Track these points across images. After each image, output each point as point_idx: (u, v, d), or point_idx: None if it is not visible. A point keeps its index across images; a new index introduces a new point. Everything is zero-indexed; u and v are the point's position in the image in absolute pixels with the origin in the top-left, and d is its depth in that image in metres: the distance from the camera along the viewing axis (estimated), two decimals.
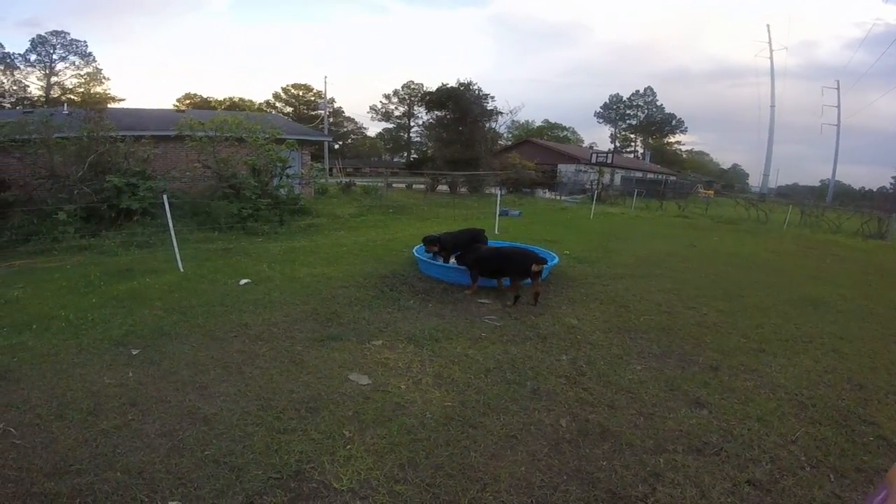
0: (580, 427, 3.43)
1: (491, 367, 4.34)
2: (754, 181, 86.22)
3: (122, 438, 3.08)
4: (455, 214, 17.38)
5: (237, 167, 13.53)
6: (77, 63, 65.78)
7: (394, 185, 34.43)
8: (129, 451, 2.95)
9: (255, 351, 4.52)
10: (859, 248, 15.45)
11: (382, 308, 5.92)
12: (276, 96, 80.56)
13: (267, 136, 14.00)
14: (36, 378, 3.87)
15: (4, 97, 59.43)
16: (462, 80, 34.61)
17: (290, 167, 14.38)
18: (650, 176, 49.72)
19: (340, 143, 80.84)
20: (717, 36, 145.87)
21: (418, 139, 76.79)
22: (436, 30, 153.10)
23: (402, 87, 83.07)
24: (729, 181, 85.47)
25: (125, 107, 36.75)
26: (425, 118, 45.99)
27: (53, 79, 64.42)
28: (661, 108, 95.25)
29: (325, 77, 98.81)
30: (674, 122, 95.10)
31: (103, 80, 67.46)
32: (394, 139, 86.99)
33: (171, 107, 48.19)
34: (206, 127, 13.72)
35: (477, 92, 34.81)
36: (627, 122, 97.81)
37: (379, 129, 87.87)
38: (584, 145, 73.10)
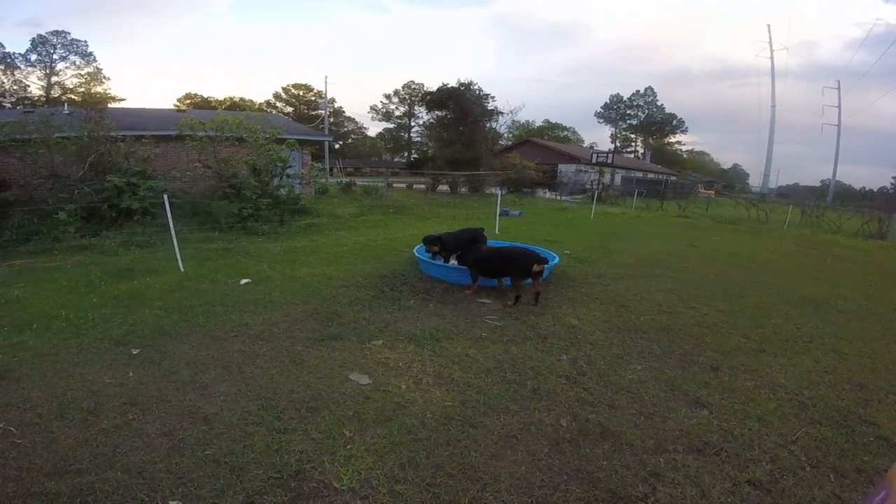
0: (580, 427, 3.43)
1: (491, 367, 4.34)
2: (755, 181, 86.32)
3: (123, 438, 3.08)
4: (455, 214, 17.38)
5: (237, 167, 13.54)
6: (77, 63, 65.86)
7: (394, 184, 34.44)
8: (130, 450, 2.95)
9: (256, 351, 4.52)
10: (860, 248, 15.44)
11: (383, 308, 5.92)
12: (277, 96, 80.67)
13: (267, 135, 14.01)
14: (36, 377, 3.88)
15: (5, 97, 59.50)
16: (463, 80, 34.65)
17: (290, 167, 14.39)
18: (650, 176, 49.70)
19: (341, 142, 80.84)
20: (717, 36, 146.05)
21: (419, 139, 76.75)
22: (436, 30, 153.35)
23: (403, 87, 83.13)
24: (729, 181, 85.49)
25: (126, 106, 36.82)
26: (426, 118, 45.96)
27: (54, 78, 64.47)
28: (661, 108, 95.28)
29: (326, 77, 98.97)
30: (674, 122, 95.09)
31: (104, 80, 67.56)
32: (394, 139, 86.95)
33: (172, 107, 48.15)
34: (206, 127, 13.73)
35: (477, 92, 34.82)
36: (628, 122, 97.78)
37: (379, 129, 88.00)
38: (584, 145, 73.11)
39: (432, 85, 69.59)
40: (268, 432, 3.18)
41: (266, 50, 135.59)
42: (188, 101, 69.38)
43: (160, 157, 13.74)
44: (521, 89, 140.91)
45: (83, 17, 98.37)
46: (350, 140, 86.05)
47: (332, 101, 75.08)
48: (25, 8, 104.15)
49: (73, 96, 58.71)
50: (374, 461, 2.93)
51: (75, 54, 65.72)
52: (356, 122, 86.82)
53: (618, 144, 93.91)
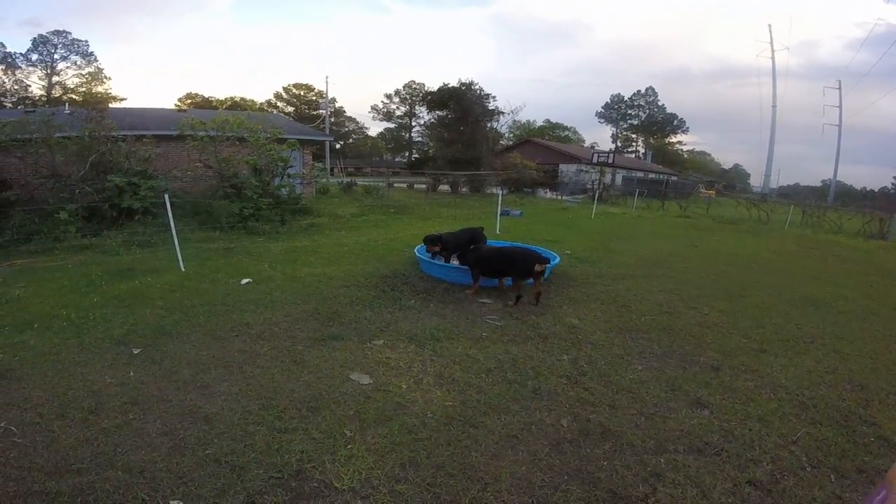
0: (581, 427, 3.43)
1: (492, 367, 4.34)
2: (756, 181, 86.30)
3: (124, 437, 3.08)
4: (456, 214, 17.38)
5: (238, 167, 13.54)
6: (78, 63, 65.96)
7: (395, 184, 34.46)
8: (131, 449, 2.95)
9: (257, 350, 4.52)
10: (861, 248, 15.43)
11: (383, 308, 5.93)
12: (278, 96, 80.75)
13: (268, 135, 14.02)
14: (37, 377, 3.88)
15: (6, 97, 59.59)
16: (463, 80, 34.64)
17: (291, 167, 14.40)
18: (651, 176, 49.68)
19: (342, 142, 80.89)
20: (718, 36, 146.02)
21: (420, 139, 76.72)
22: (437, 30, 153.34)
23: (404, 87, 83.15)
24: (730, 181, 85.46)
25: (127, 106, 36.89)
26: (427, 118, 45.92)
27: (55, 78, 64.55)
28: (662, 108, 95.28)
29: (327, 77, 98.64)
30: (675, 122, 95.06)
31: (105, 80, 67.65)
32: (395, 139, 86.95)
33: (173, 106, 48.21)
34: (207, 126, 13.74)
35: (478, 92, 34.81)
36: (629, 121, 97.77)
37: (380, 129, 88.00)
38: (585, 145, 73.01)
39: (433, 85, 69.86)
40: (268, 432, 3.18)
41: (266, 50, 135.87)
42: (189, 101, 69.46)
43: (161, 157, 13.74)
44: (521, 89, 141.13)
45: (84, 16, 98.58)
46: (351, 140, 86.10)
47: (333, 100, 75.22)
48: (26, 8, 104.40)
49: (74, 96, 58.87)
50: (374, 461, 2.93)
51: (76, 54, 65.88)
52: (357, 122, 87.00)
53: (619, 144, 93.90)
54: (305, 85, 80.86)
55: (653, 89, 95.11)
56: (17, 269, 7.63)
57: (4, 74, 61.33)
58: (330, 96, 62.35)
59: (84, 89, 63.82)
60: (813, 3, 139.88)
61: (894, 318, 6.69)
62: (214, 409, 3.44)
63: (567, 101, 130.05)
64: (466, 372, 4.23)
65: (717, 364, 4.65)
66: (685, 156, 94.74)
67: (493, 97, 35.84)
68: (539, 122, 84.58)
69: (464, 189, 31.38)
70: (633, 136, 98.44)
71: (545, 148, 46.29)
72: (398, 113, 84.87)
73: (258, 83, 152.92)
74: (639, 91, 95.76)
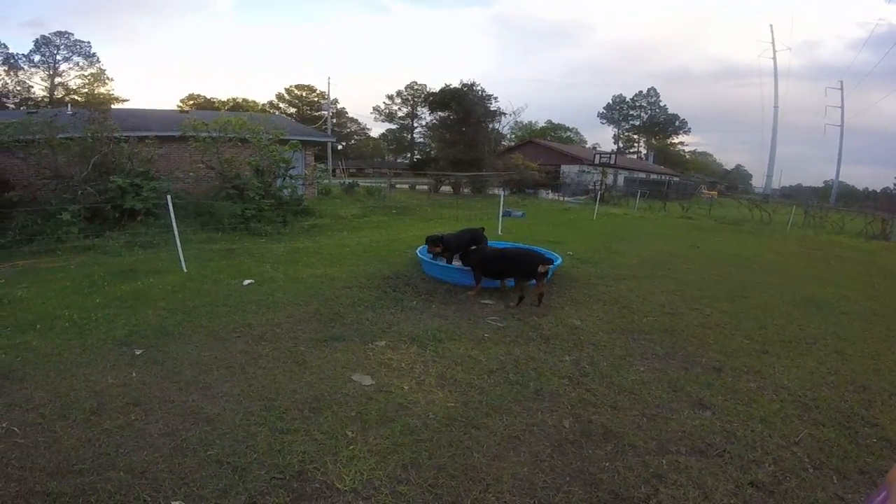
0: (583, 428, 3.42)
1: (494, 368, 4.34)
2: (758, 182, 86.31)
3: (125, 438, 3.08)
4: (458, 215, 17.38)
5: (241, 168, 13.56)
6: (81, 64, 66.14)
7: (397, 185, 34.47)
8: (132, 450, 2.96)
9: (259, 351, 4.53)
10: (863, 248, 15.42)
11: (385, 309, 5.93)
12: (280, 97, 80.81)
13: (270, 136, 14.03)
14: (39, 377, 3.89)
15: (8, 98, 59.73)
16: (465, 81, 34.63)
17: (293, 168, 14.41)
18: (653, 177, 49.63)
19: (344, 143, 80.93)
20: (719, 36, 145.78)
21: (421, 140, 76.82)
22: (438, 30, 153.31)
23: (406, 88, 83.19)
24: (732, 182, 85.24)
25: (129, 107, 36.94)
26: (428, 119, 45.94)
27: (57, 79, 64.72)
28: (664, 108, 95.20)
29: (329, 78, 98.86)
30: (677, 122, 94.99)
31: (107, 81, 67.81)
32: (397, 140, 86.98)
33: (175, 107, 48.35)
34: (209, 127, 13.77)
35: (480, 92, 34.81)
36: (630, 122, 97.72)
37: (382, 130, 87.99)
38: (587, 146, 73.03)
39: (435, 85, 69.78)
40: (270, 433, 3.19)
41: (268, 50, 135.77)
42: (191, 102, 69.60)
43: (163, 158, 13.76)
44: (523, 90, 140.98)
45: (86, 17, 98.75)
46: (353, 141, 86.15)
47: (335, 101, 75.23)
48: (28, 9, 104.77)
49: (76, 97, 59.05)
50: (376, 462, 2.93)
51: (78, 55, 66.06)
52: (359, 123, 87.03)
53: (620, 145, 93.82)
54: (307, 86, 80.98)
55: (654, 90, 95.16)
56: (19, 269, 7.65)
57: (7, 75, 61.59)
58: (332, 97, 62.46)
59: (86, 90, 64.00)
60: (814, 3, 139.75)
61: None
62: (216, 410, 3.45)
63: (569, 101, 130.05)
64: (468, 373, 4.23)
65: (719, 365, 4.65)
66: (687, 156, 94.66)
67: (495, 98, 35.89)
68: (541, 123, 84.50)
69: (466, 190, 31.38)
70: (635, 136, 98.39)
71: (547, 149, 46.27)
72: (400, 114, 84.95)
73: (260, 84, 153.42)
74: (640, 92, 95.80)
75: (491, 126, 35.99)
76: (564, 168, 42.07)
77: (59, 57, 64.75)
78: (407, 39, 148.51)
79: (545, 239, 11.79)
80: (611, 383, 4.16)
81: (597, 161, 40.57)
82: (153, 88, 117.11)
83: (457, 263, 7.35)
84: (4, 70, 61.33)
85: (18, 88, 61.89)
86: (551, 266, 6.46)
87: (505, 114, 36.07)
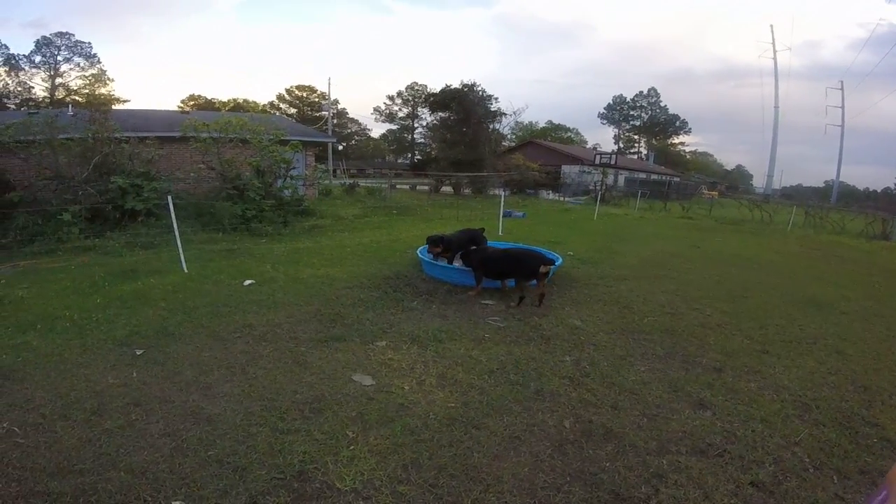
0: (583, 428, 3.42)
1: (494, 368, 4.34)
2: (758, 182, 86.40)
3: (126, 438, 3.08)
4: (459, 215, 17.37)
5: (241, 168, 13.55)
6: (82, 64, 66.32)
7: (397, 186, 34.46)
8: (133, 450, 2.96)
9: (259, 351, 4.53)
10: (863, 249, 15.41)
11: (386, 309, 5.93)
12: (280, 98, 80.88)
13: (271, 137, 14.02)
14: (40, 378, 3.89)
15: (9, 98, 59.81)
16: (466, 82, 34.58)
17: (294, 168, 14.40)
18: (654, 177, 49.61)
19: (344, 144, 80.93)
20: (720, 36, 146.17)
21: (422, 140, 76.73)
22: (439, 30, 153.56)
23: (406, 89, 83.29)
24: (733, 182, 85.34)
25: (130, 108, 36.95)
26: (429, 119, 45.89)
27: (58, 80, 64.86)
28: (664, 108, 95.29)
29: (329, 78, 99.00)
30: (677, 122, 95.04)
31: (108, 82, 67.92)
32: (398, 140, 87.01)
33: (176, 108, 48.43)
34: (210, 128, 13.75)
35: (481, 93, 34.78)
36: (631, 122, 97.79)
37: (383, 131, 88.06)
38: (587, 146, 72.96)
39: (435, 86, 69.90)
40: (271, 433, 3.19)
41: (268, 50, 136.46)
42: (192, 103, 69.70)
43: (164, 159, 13.76)
44: (524, 90, 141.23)
45: (88, 17, 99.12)
46: (353, 141, 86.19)
47: (336, 102, 75.27)
48: (30, 9, 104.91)
49: (77, 97, 59.01)
50: (376, 462, 2.93)
51: (79, 56, 66.22)
52: (359, 124, 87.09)
53: (621, 145, 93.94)
54: (308, 87, 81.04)
55: (655, 90, 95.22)
56: (20, 270, 7.65)
57: (8, 76, 61.68)
58: (332, 98, 62.51)
59: (87, 91, 64.05)
60: (814, 3, 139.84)
61: None
62: (217, 410, 3.45)
63: (569, 101, 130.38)
64: (469, 373, 4.23)
65: (720, 365, 4.65)
66: (687, 157, 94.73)
67: (496, 98, 35.85)
68: (541, 124, 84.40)
69: (466, 190, 31.40)
70: (636, 137, 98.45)
71: (548, 149, 46.28)
72: (400, 114, 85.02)
73: (260, 84, 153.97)
74: (641, 92, 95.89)
75: (491, 126, 35.95)
76: (565, 168, 42.07)
77: (59, 57, 64.95)
78: (408, 40, 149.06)
79: (546, 239, 11.79)
80: (611, 383, 4.16)
81: (597, 161, 40.60)
82: (154, 89, 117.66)
83: (457, 264, 7.36)
84: (5, 70, 61.49)
85: (19, 89, 62.02)
86: (552, 266, 6.46)
87: (505, 114, 36.04)
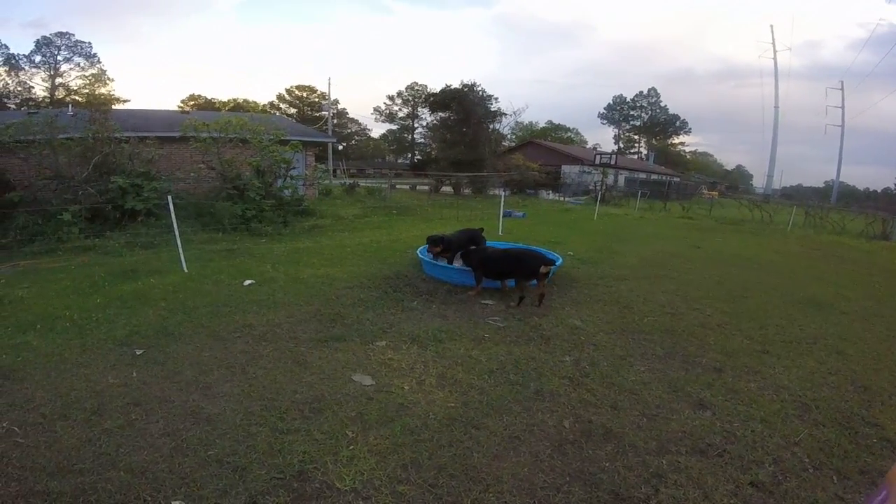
0: (583, 428, 3.42)
1: (494, 368, 4.34)
2: (758, 182, 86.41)
3: (126, 438, 3.09)
4: (459, 216, 17.37)
5: (241, 168, 13.55)
6: (82, 64, 66.38)
7: (397, 186, 34.47)
8: (133, 450, 2.96)
9: (259, 351, 4.53)
10: (864, 249, 15.40)
11: (386, 309, 5.93)
12: (280, 98, 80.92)
13: (271, 137, 14.03)
14: (40, 377, 3.89)
15: (9, 98, 59.82)
16: (466, 82, 34.59)
17: (294, 168, 14.39)
18: (654, 177, 49.61)
19: (344, 144, 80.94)
20: (720, 37, 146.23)
21: (422, 140, 76.72)
22: (439, 31, 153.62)
23: (406, 89, 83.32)
24: (733, 182, 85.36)
25: (130, 108, 36.99)
26: (429, 119, 45.90)
27: (58, 80, 64.90)
28: (664, 108, 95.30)
29: (329, 78, 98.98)
30: (678, 122, 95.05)
31: (108, 82, 67.96)
32: (398, 140, 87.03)
33: (176, 108, 48.41)
34: (210, 128, 13.76)
35: (481, 93, 34.78)
36: (631, 123, 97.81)
37: (383, 131, 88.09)
38: (587, 146, 72.94)
39: (435, 86, 69.94)
40: (271, 433, 3.19)
41: (268, 50, 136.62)
42: (192, 103, 69.72)
43: (164, 159, 13.77)
44: (524, 90, 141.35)
45: (88, 17, 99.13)
46: (354, 142, 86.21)
47: (336, 102, 75.28)
48: (30, 9, 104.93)
49: (77, 97, 59.04)
50: (376, 462, 2.93)
51: (79, 56, 66.28)
52: (359, 124, 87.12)
53: (621, 145, 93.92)
54: (308, 87, 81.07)
55: (655, 90, 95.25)
56: (20, 269, 7.66)
57: (8, 76, 61.70)
58: (332, 98, 62.53)
59: (87, 91, 64.07)
60: (814, 3, 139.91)
61: None
62: (217, 410, 3.45)
63: (569, 101, 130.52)
64: (468, 373, 4.23)
65: (720, 365, 4.65)
66: (687, 157, 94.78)
67: (496, 98, 35.86)
68: (541, 124, 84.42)
69: (466, 191, 31.41)
70: (636, 137, 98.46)
71: (548, 149, 46.28)
72: (400, 114, 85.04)
73: (260, 84, 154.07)
74: (641, 92, 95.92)
75: (491, 127, 35.95)
76: (565, 168, 42.08)
77: (59, 57, 65.02)
78: (408, 40, 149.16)
79: (546, 239, 11.79)
80: (611, 383, 4.16)
81: (597, 161, 40.60)
82: (154, 89, 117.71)
83: (457, 263, 7.35)
84: (5, 70, 61.54)
85: (19, 89, 62.03)
86: (553, 267, 6.46)
87: (505, 114, 36.04)
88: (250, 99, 77.76)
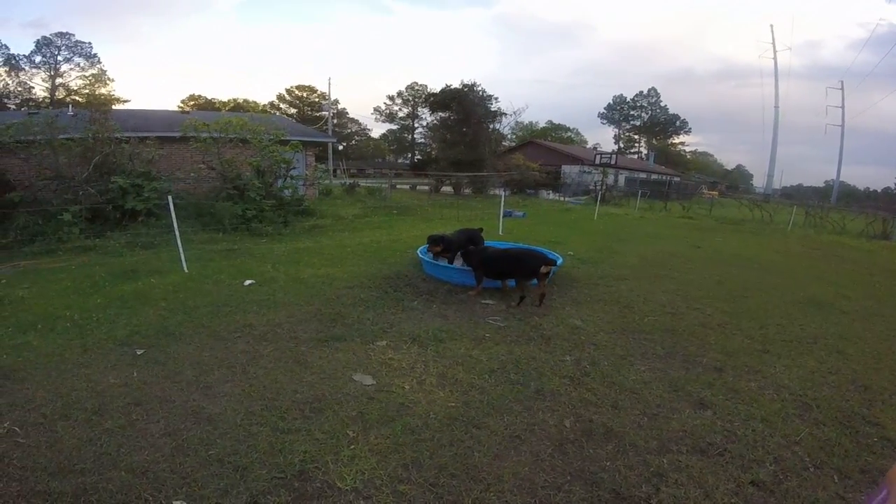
0: (584, 427, 3.42)
1: (495, 368, 4.34)
2: (758, 182, 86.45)
3: (127, 438, 3.09)
4: (459, 215, 17.37)
5: (241, 168, 13.54)
6: (82, 65, 66.41)
7: (398, 186, 34.48)
8: (134, 450, 2.96)
9: (260, 351, 4.53)
10: (864, 248, 15.40)
11: (386, 309, 5.93)
12: (280, 98, 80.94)
13: (271, 137, 14.02)
14: (41, 378, 3.89)
15: (9, 98, 59.82)
16: (466, 82, 34.59)
17: (294, 168, 14.39)
18: (654, 177, 49.60)
19: (344, 144, 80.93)
20: (720, 36, 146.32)
21: (422, 140, 76.73)
22: (439, 31, 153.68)
23: (406, 89, 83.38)
24: (733, 182, 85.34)
25: (130, 108, 36.96)
26: (429, 119, 45.87)
27: (58, 80, 64.90)
28: (664, 108, 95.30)
29: (329, 78, 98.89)
30: (678, 122, 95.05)
31: (108, 82, 67.98)
32: (398, 140, 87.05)
33: (176, 108, 48.43)
34: (210, 128, 13.77)
35: (481, 93, 34.77)
36: (631, 122, 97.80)
37: (383, 131, 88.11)
38: (587, 146, 72.93)
39: (435, 86, 70.00)
40: (271, 432, 3.19)
41: (268, 50, 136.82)
42: (192, 103, 69.74)
43: (164, 159, 13.77)
44: (524, 90, 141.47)
45: (88, 17, 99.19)
46: (354, 141, 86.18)
47: (336, 102, 75.27)
48: (30, 9, 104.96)
49: (77, 97, 59.06)
50: (377, 461, 2.93)
51: (79, 56, 66.32)
52: (360, 124, 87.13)
53: (621, 145, 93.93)
54: (308, 87, 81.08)
55: (655, 90, 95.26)
56: (20, 270, 7.65)
57: (8, 76, 61.71)
58: (332, 98, 62.54)
59: (87, 91, 64.08)
60: (814, 3, 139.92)
61: None
62: (217, 410, 3.45)
63: (569, 101, 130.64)
64: (469, 373, 4.23)
65: (720, 365, 4.65)
66: (688, 157, 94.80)
67: (496, 98, 35.86)
68: (542, 124, 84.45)
69: (466, 190, 31.41)
70: (636, 137, 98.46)
71: (548, 149, 46.28)
72: (401, 114, 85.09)
73: (260, 84, 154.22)
74: (641, 92, 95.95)
75: (492, 126, 35.95)
76: (565, 168, 42.07)
77: (59, 58, 65.05)
78: (408, 40, 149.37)
79: (546, 239, 11.78)
80: (612, 383, 4.16)
81: (597, 161, 40.60)
82: (154, 89, 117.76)
83: (458, 263, 7.35)
84: (6, 71, 61.55)
85: (19, 89, 62.04)
86: (553, 266, 6.45)
87: (506, 114, 36.03)
88: (250, 99, 77.94)
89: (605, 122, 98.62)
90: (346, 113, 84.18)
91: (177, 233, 7.68)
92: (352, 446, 3.07)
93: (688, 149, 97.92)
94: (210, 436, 3.13)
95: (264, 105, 76.23)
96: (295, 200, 14.11)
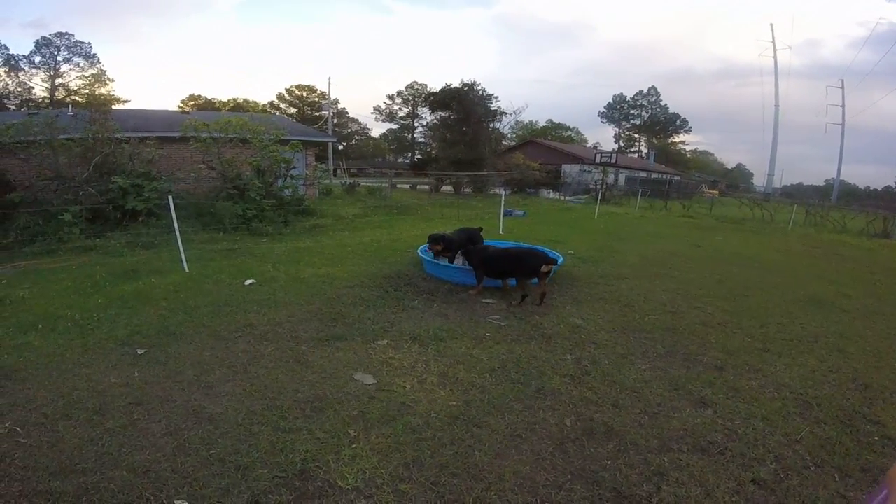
0: (585, 426, 3.42)
1: (495, 367, 4.35)
2: (759, 181, 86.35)
3: (128, 437, 3.09)
4: (459, 215, 17.37)
5: (242, 168, 13.55)
6: (81, 65, 66.30)
7: (398, 185, 34.47)
8: (135, 450, 2.96)
9: (260, 351, 4.53)
10: (864, 247, 15.39)
11: (387, 308, 5.93)
12: (280, 97, 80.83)
13: (271, 137, 14.03)
14: (42, 378, 3.89)
15: (9, 98, 59.80)
16: (466, 81, 34.60)
17: (294, 168, 14.39)
18: (654, 176, 49.61)
19: (345, 143, 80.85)
20: (720, 36, 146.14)
21: (422, 140, 76.78)
22: (439, 30, 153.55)
23: (406, 88, 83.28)
24: (733, 181, 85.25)
25: (130, 108, 36.96)
26: (429, 119, 45.94)
27: (58, 80, 64.81)
28: (665, 107, 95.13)
29: (329, 78, 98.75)
30: (678, 121, 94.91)
31: (108, 82, 67.92)
32: (398, 140, 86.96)
33: (176, 108, 48.44)
34: (210, 128, 13.77)
35: (481, 92, 34.77)
36: (631, 121, 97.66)
37: (383, 130, 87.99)
38: (588, 145, 72.80)
39: (436, 85, 69.97)
40: (273, 432, 3.19)
41: (268, 50, 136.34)
42: (192, 103, 69.70)
43: (164, 159, 13.78)
44: (524, 90, 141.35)
45: (88, 17, 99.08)
46: (354, 141, 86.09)
47: (336, 102, 75.23)
48: (30, 9, 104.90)
49: (77, 98, 59.00)
50: (378, 460, 2.94)
51: (79, 56, 66.22)
52: (360, 123, 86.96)
53: (621, 144, 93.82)
54: (308, 86, 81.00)
55: (655, 89, 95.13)
56: (21, 270, 7.66)
57: (8, 76, 61.66)
58: (332, 97, 62.53)
59: (87, 91, 64.04)
60: (814, 2, 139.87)
61: None
62: (219, 410, 3.45)
63: (570, 101, 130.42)
64: (470, 372, 4.23)
65: (721, 363, 4.65)
66: (688, 156, 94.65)
67: (496, 98, 35.88)
68: (542, 123, 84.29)
69: (467, 190, 31.40)
70: (636, 136, 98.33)
71: (548, 148, 46.24)
72: (401, 114, 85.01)
73: (260, 84, 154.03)
74: (641, 91, 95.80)
75: (492, 126, 35.97)
76: (565, 167, 42.05)
77: (59, 58, 64.95)
78: (408, 39, 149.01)
79: (546, 238, 11.78)
80: (612, 382, 4.16)
81: (598, 160, 40.57)
82: (154, 89, 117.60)
83: (458, 262, 7.35)
84: (5, 71, 61.48)
85: (19, 89, 62.01)
86: (554, 266, 6.45)
87: (506, 113, 36.06)
88: (250, 99, 77.87)
89: (605, 121, 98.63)
90: (346, 112, 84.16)
91: (177, 233, 7.68)
92: (353, 445, 3.07)
93: (688, 148, 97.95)
94: (211, 435, 3.13)
95: (264, 105, 76.27)
96: (295, 200, 14.12)
